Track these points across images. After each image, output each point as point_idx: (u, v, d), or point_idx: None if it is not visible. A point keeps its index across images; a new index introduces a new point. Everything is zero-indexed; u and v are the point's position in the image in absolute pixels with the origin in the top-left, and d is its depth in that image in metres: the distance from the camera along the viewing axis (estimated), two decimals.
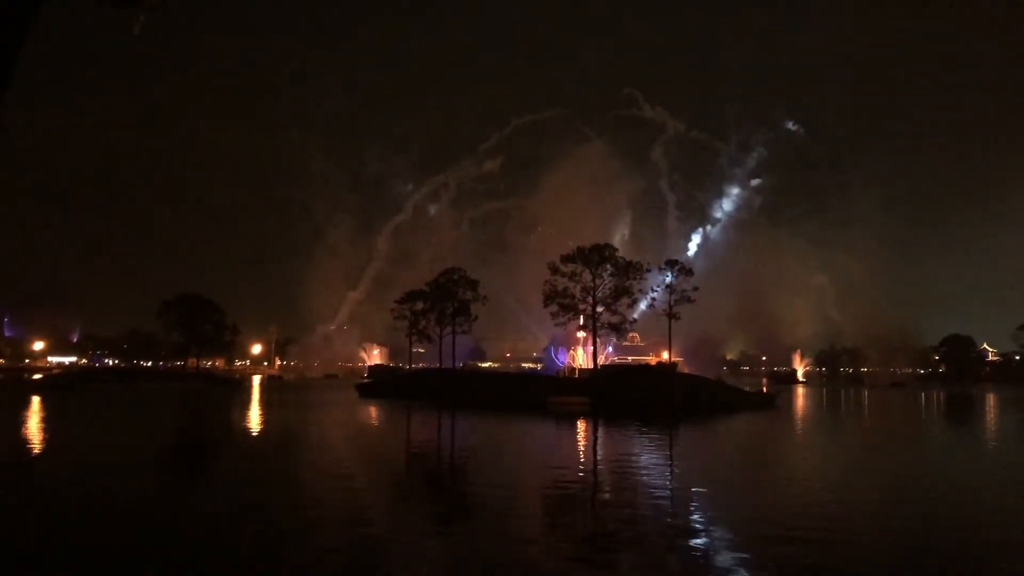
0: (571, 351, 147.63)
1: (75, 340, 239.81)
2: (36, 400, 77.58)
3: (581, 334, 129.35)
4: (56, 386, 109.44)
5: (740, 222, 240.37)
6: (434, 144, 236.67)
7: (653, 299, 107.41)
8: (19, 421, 53.66)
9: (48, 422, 54.93)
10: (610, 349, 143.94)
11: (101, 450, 38.89)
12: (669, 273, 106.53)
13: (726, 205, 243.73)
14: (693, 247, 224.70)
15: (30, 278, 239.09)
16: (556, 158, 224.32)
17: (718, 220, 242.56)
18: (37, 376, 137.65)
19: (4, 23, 6.54)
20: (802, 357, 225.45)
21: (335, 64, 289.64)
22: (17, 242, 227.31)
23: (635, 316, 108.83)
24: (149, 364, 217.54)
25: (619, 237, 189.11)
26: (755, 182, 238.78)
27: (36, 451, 37.29)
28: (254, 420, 62.31)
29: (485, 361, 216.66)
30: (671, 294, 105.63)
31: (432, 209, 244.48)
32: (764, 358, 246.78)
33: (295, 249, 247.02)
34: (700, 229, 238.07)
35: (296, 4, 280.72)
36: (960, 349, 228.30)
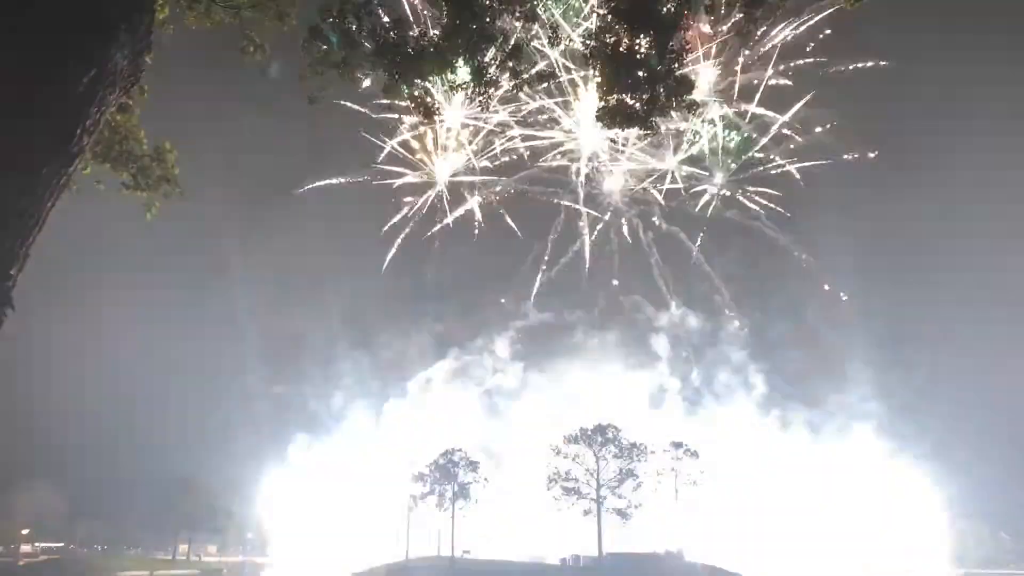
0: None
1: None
2: None
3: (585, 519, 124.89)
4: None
5: (741, 409, 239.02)
6: (447, 332, 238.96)
7: (658, 483, 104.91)
8: None
9: None
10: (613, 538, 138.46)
11: None
12: (673, 454, 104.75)
13: (727, 394, 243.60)
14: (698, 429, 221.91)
15: (14, 459, 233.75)
16: (565, 350, 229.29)
17: (717, 406, 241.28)
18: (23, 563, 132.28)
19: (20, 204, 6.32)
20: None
21: (349, 262, 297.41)
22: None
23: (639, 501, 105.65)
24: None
25: (622, 420, 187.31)
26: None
27: None
28: None
29: (486, 549, 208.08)
30: (677, 477, 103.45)
31: (438, 393, 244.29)
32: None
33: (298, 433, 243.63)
34: (700, 413, 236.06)
35: (313, 208, 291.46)
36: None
